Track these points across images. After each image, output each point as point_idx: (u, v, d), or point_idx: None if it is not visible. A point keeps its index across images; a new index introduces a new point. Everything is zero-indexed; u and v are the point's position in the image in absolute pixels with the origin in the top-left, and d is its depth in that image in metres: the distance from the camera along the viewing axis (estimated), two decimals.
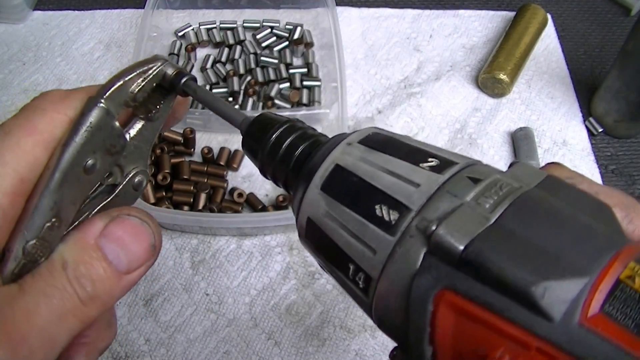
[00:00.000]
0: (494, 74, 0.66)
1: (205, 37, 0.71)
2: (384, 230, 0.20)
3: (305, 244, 0.25)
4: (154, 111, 0.24)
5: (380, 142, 0.23)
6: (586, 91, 0.71)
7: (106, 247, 0.21)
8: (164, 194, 0.58)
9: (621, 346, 0.16)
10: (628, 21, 0.78)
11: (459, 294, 0.18)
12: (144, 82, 0.23)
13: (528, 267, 0.17)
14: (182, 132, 0.61)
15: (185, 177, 0.59)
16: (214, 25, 0.72)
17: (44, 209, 0.21)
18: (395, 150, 0.22)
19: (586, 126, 0.68)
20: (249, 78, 0.68)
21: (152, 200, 0.56)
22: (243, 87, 0.67)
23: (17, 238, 0.20)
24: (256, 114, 0.27)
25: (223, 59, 0.69)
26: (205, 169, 0.60)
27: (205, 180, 0.59)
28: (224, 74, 0.68)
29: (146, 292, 0.55)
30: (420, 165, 0.21)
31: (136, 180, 0.25)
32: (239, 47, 0.70)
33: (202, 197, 0.57)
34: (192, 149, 0.62)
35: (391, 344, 0.58)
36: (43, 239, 0.21)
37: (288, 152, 0.25)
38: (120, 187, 0.24)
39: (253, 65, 0.68)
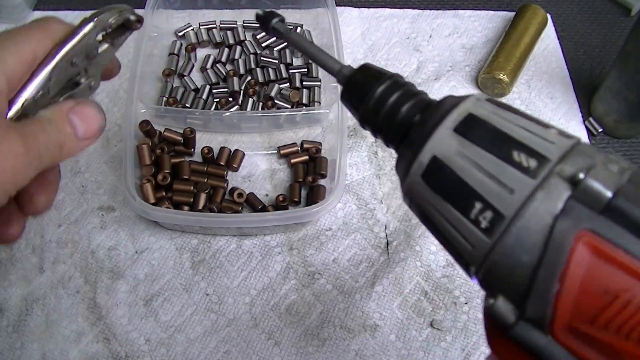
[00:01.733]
0: (493, 74, 0.66)
1: (205, 37, 0.71)
2: (524, 173, 0.21)
3: (416, 185, 0.25)
4: (115, 40, 0.35)
5: (504, 104, 0.25)
6: (586, 91, 0.71)
7: (73, 118, 0.30)
8: (164, 194, 0.58)
9: None
10: (628, 21, 0.78)
11: (599, 235, 0.20)
12: (116, 18, 0.34)
13: None
14: (182, 132, 0.61)
15: (185, 177, 0.59)
16: (214, 25, 0.72)
17: (43, 79, 0.30)
18: (522, 113, 0.24)
19: (586, 126, 0.68)
20: (249, 78, 0.68)
21: (152, 200, 0.56)
22: (243, 87, 0.67)
23: (21, 95, 0.29)
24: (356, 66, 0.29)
25: (223, 59, 0.70)
26: (205, 169, 0.60)
27: (205, 180, 0.59)
28: (224, 74, 0.68)
29: (146, 292, 0.55)
30: (548, 129, 0.23)
31: (92, 83, 0.34)
32: (239, 47, 0.70)
33: (202, 197, 0.57)
34: (192, 149, 0.62)
35: (391, 345, 0.58)
36: (36, 102, 0.29)
37: (394, 108, 0.26)
38: (82, 85, 0.33)
39: (253, 65, 0.68)
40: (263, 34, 0.71)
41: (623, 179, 0.20)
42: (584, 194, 0.20)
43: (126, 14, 0.35)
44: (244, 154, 0.62)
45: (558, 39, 0.75)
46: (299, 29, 0.71)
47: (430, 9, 0.77)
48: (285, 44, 0.70)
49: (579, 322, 0.20)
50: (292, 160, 0.62)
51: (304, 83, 0.67)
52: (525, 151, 0.22)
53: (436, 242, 0.58)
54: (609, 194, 0.20)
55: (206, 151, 0.61)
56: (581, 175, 0.20)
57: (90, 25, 0.32)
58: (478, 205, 0.22)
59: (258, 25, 0.32)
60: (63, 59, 0.30)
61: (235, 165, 0.61)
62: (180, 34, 0.72)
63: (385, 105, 0.26)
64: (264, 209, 0.59)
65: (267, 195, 0.61)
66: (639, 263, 0.19)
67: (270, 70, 0.68)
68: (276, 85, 0.66)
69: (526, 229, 0.21)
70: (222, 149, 0.62)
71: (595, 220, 0.20)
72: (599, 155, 0.21)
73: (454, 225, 0.23)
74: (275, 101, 0.65)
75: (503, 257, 0.22)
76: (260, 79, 0.67)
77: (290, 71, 0.68)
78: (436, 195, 0.24)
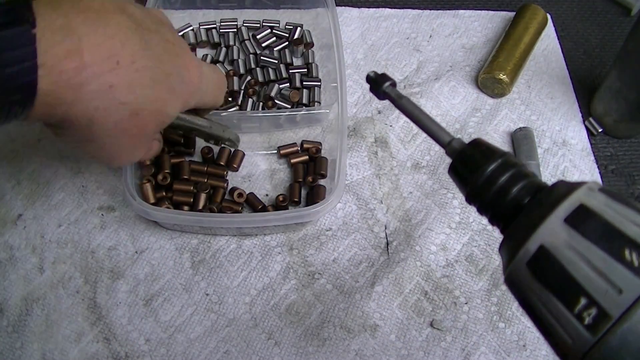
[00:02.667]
0: (493, 74, 0.66)
1: (204, 37, 0.71)
2: (634, 274, 0.21)
3: (520, 272, 0.25)
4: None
5: (617, 195, 0.25)
6: (586, 91, 0.71)
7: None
8: (164, 194, 0.58)
9: None
10: (628, 21, 0.78)
11: None
12: (227, 136, 0.55)
13: None
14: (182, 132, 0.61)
15: (185, 177, 0.59)
16: (214, 26, 0.72)
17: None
18: (635, 206, 0.24)
19: (586, 126, 0.68)
20: (249, 78, 0.68)
21: (152, 200, 0.56)
22: (243, 87, 0.67)
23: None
24: (467, 140, 0.28)
25: (223, 59, 0.69)
26: (205, 169, 0.60)
27: (205, 180, 0.59)
28: (224, 74, 0.68)
29: (146, 292, 0.55)
30: None
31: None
32: (238, 47, 0.70)
33: (202, 197, 0.57)
34: (192, 149, 0.62)
35: (391, 345, 0.58)
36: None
37: (504, 188, 0.26)
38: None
39: (253, 65, 0.68)
40: (263, 34, 0.71)
41: None
42: None
43: (235, 142, 0.56)
44: (244, 154, 0.62)
45: (558, 39, 0.75)
46: (298, 29, 0.71)
47: (430, 9, 0.77)
48: (286, 43, 0.71)
49: None
50: (292, 160, 0.62)
51: (304, 83, 0.67)
52: (637, 250, 0.22)
53: (436, 242, 0.58)
54: None
55: (206, 151, 0.61)
56: None
57: (219, 130, 0.53)
58: (583, 301, 0.22)
59: (369, 85, 0.33)
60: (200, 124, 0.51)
61: (235, 165, 0.61)
62: (180, 34, 0.72)
63: (496, 185, 0.26)
64: (264, 209, 0.59)
65: (267, 195, 0.61)
66: None
67: (270, 70, 0.68)
68: (276, 85, 0.66)
69: (632, 332, 0.21)
70: (222, 149, 0.62)
71: None
72: None
73: (555, 317, 0.23)
74: (275, 101, 0.65)
75: (604, 356, 0.21)
76: (260, 79, 0.67)
77: (290, 71, 0.68)
78: (540, 285, 0.24)
